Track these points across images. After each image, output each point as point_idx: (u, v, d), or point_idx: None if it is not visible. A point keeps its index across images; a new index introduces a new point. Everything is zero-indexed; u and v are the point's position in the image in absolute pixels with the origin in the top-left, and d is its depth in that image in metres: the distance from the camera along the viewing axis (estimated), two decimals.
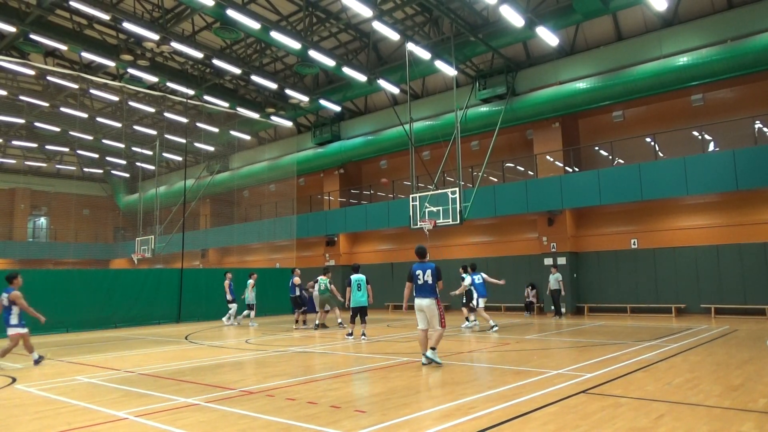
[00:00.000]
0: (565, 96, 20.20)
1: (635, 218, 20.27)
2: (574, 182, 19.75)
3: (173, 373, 8.82)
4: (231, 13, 17.03)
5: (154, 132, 30.98)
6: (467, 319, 15.57)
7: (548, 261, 20.69)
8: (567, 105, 20.32)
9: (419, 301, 8.91)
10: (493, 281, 15.62)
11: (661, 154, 20.11)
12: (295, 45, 19.29)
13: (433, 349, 8.71)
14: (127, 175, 41.03)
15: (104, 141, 32.22)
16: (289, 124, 29.24)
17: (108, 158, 37.34)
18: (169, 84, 24.07)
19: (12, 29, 18.74)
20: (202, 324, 19.92)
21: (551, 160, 21.61)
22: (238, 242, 31.88)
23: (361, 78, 22.15)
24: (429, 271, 8.86)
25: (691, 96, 19.47)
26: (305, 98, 25.15)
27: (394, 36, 18.80)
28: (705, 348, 10.23)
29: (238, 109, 26.64)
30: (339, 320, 16.80)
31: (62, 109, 27.39)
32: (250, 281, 18.31)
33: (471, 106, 22.81)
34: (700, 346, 10.45)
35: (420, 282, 8.91)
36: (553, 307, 19.30)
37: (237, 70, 22.74)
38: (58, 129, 30.29)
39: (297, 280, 16.97)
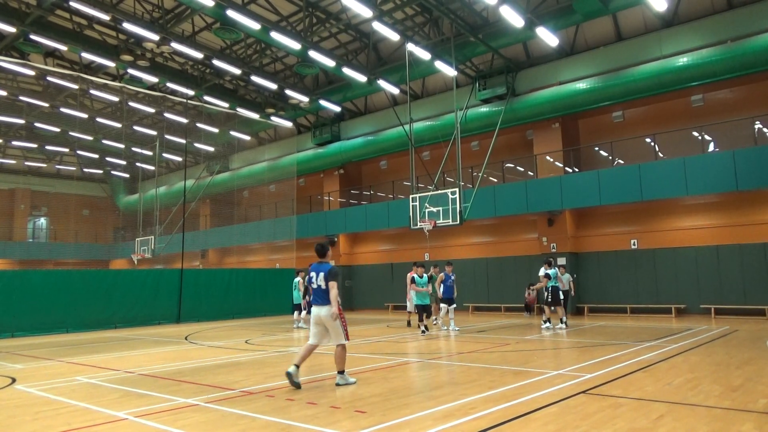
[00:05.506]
0: (565, 96, 20.20)
1: (635, 218, 20.26)
2: (574, 182, 19.74)
3: (173, 373, 8.82)
4: (231, 13, 17.03)
5: (154, 132, 30.97)
6: (553, 320, 15.05)
7: None
8: (567, 105, 20.32)
9: (315, 310, 7.39)
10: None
11: (661, 155, 20.10)
12: (295, 45, 19.29)
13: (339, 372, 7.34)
14: (127, 175, 41.00)
15: (104, 141, 32.21)
16: (289, 124, 29.23)
17: (108, 158, 37.32)
18: (169, 84, 24.06)
19: (12, 29, 18.73)
20: (202, 324, 19.93)
21: (551, 160, 21.60)
22: (237, 243, 31.88)
23: (361, 78, 22.14)
24: (322, 274, 7.31)
25: (691, 96, 19.47)
26: (305, 98, 25.15)
27: (394, 36, 18.79)
28: (705, 348, 10.23)
29: (238, 109, 26.63)
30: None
31: (62, 109, 27.37)
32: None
33: (471, 107, 22.80)
34: (700, 347, 10.45)
35: (314, 286, 7.37)
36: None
37: (237, 71, 22.74)
38: (58, 129, 30.27)
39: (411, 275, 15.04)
